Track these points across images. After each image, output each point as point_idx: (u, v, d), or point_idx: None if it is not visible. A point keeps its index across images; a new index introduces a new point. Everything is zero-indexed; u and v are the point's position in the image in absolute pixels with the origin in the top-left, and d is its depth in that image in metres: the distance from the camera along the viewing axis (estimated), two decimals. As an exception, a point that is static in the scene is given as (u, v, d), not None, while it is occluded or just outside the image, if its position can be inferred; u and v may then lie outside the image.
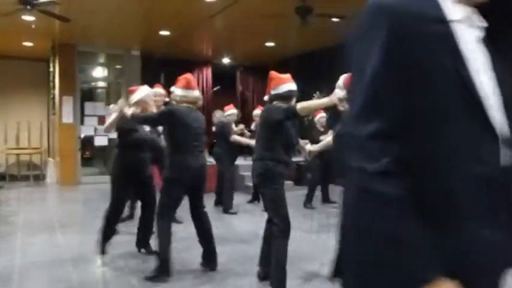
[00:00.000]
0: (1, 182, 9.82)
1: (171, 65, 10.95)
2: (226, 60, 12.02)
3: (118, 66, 10.92)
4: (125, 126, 4.07)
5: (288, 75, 3.45)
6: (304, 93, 4.69)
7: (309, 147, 4.15)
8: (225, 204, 6.42)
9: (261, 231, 3.61)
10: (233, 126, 6.71)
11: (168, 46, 9.65)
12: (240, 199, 7.15)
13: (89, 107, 10.28)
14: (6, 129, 11.02)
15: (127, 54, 10.55)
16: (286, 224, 3.26)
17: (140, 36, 9.40)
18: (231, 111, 6.74)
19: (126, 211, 4.89)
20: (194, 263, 3.91)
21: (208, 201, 4.17)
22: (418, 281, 0.81)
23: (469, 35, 0.94)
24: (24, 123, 11.13)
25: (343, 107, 3.08)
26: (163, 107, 4.47)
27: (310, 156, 4.18)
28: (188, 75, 3.84)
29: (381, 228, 0.85)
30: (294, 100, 3.36)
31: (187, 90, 3.72)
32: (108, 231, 4.10)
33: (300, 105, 3.13)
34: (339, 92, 3.09)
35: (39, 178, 10.75)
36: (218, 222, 5.26)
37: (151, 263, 3.74)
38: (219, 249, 3.93)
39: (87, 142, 10.43)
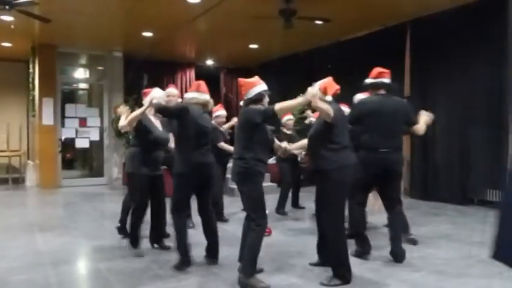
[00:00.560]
0: (-21, 186, 9.61)
1: (154, 67, 10.91)
2: (209, 62, 11.99)
3: (100, 68, 10.79)
4: (143, 126, 4.23)
5: (255, 78, 3.64)
6: (287, 95, 4.70)
7: (285, 144, 4.23)
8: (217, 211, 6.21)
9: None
10: (224, 126, 6.35)
11: (151, 47, 9.57)
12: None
13: (70, 108, 10.14)
14: (-16, 131, 10.80)
15: (109, 55, 10.44)
16: (263, 220, 3.47)
17: (122, 37, 9.30)
18: (219, 112, 6.17)
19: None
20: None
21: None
22: None
23: None
24: (3, 125, 10.86)
25: (316, 104, 3.23)
26: None
27: (285, 154, 4.31)
28: (198, 81, 4.13)
29: None
30: (266, 99, 3.58)
31: (199, 92, 3.97)
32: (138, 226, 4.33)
33: (279, 106, 3.33)
34: (312, 90, 3.27)
35: (19, 181, 10.55)
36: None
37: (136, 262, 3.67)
38: (226, 248, 4.11)
39: (68, 144, 10.29)
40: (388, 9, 7.16)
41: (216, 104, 4.55)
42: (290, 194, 6.74)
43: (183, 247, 3.85)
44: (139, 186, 4.31)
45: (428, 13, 7.31)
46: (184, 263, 3.85)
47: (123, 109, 4.42)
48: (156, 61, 10.79)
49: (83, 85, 11.59)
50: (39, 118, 9.70)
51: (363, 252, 4.17)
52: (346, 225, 4.90)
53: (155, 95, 4.21)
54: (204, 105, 3.99)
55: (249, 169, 3.42)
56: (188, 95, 4.02)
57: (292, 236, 5.15)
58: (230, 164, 4.33)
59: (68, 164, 10.83)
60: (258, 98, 3.52)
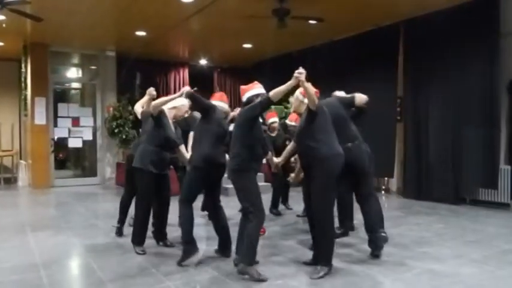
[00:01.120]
0: (-30, 186, 9.53)
1: (147, 66, 10.88)
2: (203, 62, 11.97)
3: (92, 67, 10.73)
4: (162, 119, 4.32)
5: (250, 85, 3.89)
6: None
7: (275, 160, 4.40)
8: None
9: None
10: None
11: (144, 47, 9.53)
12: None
13: (62, 108, 10.08)
14: (-25, 131, 10.73)
15: (102, 54, 10.39)
16: (261, 211, 3.64)
17: (115, 36, 9.26)
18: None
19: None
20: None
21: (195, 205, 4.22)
22: None
23: None
24: (-5, 124, 10.85)
25: (303, 84, 3.44)
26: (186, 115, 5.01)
27: (276, 169, 4.58)
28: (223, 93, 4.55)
29: None
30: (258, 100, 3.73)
31: (223, 102, 4.29)
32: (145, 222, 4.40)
33: (272, 92, 3.53)
34: (300, 71, 3.46)
35: (11, 181, 10.50)
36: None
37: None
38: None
39: (61, 144, 10.23)
40: (381, 9, 7.19)
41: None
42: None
43: (189, 236, 3.96)
44: (145, 183, 4.34)
45: (421, 13, 7.35)
46: (191, 251, 3.95)
47: (145, 98, 4.44)
48: (150, 60, 10.76)
49: (75, 84, 11.50)
50: (31, 118, 9.63)
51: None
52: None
53: (180, 102, 4.47)
54: (225, 114, 4.30)
55: (242, 165, 3.63)
56: (214, 102, 4.22)
57: (285, 234, 5.17)
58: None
59: (60, 164, 10.76)
60: (249, 101, 3.75)
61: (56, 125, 9.95)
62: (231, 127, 4.10)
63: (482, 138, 6.71)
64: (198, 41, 9.71)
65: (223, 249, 4.19)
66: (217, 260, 4.10)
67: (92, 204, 7.84)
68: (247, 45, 9.93)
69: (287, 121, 6.54)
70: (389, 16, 7.66)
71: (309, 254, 4.06)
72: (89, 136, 10.35)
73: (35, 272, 3.82)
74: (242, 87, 3.93)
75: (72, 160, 11.67)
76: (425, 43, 7.48)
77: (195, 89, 4.07)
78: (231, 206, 4.81)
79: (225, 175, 4.02)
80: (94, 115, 10.45)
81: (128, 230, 4.88)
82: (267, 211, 6.32)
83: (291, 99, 3.51)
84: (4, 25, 7.61)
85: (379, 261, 4.05)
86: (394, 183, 8.46)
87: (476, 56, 6.79)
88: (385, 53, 7.95)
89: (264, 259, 4.06)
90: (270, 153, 4.37)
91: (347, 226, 5.01)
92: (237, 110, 4.40)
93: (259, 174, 5.01)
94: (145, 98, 4.38)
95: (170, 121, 4.50)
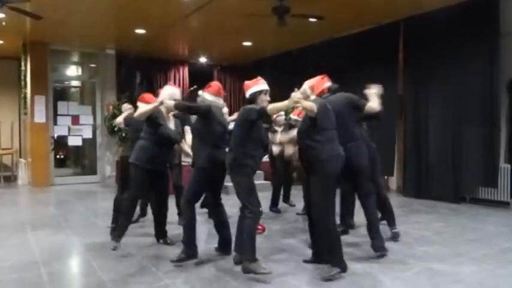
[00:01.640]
0: (-30, 184, 9.53)
1: (147, 64, 10.86)
2: (203, 60, 11.95)
3: (92, 65, 10.73)
4: (153, 117, 4.25)
5: (253, 80, 3.89)
6: (281, 93, 4.70)
7: (279, 137, 4.40)
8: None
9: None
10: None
11: (144, 45, 9.52)
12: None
13: (62, 106, 10.08)
14: (-25, 129, 10.72)
15: (101, 52, 10.38)
16: (257, 207, 3.68)
17: (115, 34, 9.24)
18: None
19: (137, 210, 4.92)
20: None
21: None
22: None
23: None
24: (-5, 123, 10.85)
25: (299, 106, 3.48)
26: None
27: (278, 148, 4.52)
28: (218, 83, 4.24)
29: None
30: (260, 97, 3.79)
31: (217, 97, 4.12)
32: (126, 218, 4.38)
33: (270, 107, 3.63)
34: (294, 95, 3.45)
35: (11, 179, 10.50)
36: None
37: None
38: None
39: (61, 142, 10.22)
40: (381, 7, 7.17)
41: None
42: (282, 191, 6.73)
43: (190, 239, 3.95)
44: (139, 179, 4.32)
45: (421, 11, 7.33)
46: (190, 255, 3.94)
47: (126, 107, 4.51)
48: (149, 58, 10.75)
49: (75, 83, 11.50)
50: (31, 116, 9.63)
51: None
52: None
53: (168, 92, 4.29)
54: (220, 109, 4.20)
55: (238, 161, 3.68)
56: (208, 97, 4.08)
57: (285, 233, 5.16)
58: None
59: (60, 162, 10.77)
60: (252, 98, 3.80)
61: (55, 123, 9.96)
62: (231, 126, 4.11)
63: (482, 137, 6.71)
64: (198, 39, 9.70)
65: (224, 247, 4.21)
66: (217, 257, 4.11)
67: (92, 202, 7.84)
68: (247, 43, 9.92)
69: (291, 115, 6.41)
70: (389, 14, 7.64)
71: (309, 252, 4.06)
72: (88, 134, 10.35)
73: (35, 271, 3.82)
74: (246, 82, 3.92)
75: (72, 158, 11.68)
76: (426, 42, 7.46)
77: (195, 87, 4.08)
78: (231, 204, 4.80)
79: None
80: (94, 113, 10.45)
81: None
82: (267, 209, 6.41)
83: (293, 94, 3.46)
84: (4, 23, 7.59)
85: (379, 260, 4.05)
86: (394, 181, 8.46)
87: (476, 55, 6.78)
88: (385, 51, 7.93)
89: (264, 257, 4.06)
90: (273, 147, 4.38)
91: (347, 224, 5.02)
92: (235, 116, 4.42)
93: (258, 172, 5.02)
94: (126, 113, 4.46)
95: (170, 116, 4.45)
